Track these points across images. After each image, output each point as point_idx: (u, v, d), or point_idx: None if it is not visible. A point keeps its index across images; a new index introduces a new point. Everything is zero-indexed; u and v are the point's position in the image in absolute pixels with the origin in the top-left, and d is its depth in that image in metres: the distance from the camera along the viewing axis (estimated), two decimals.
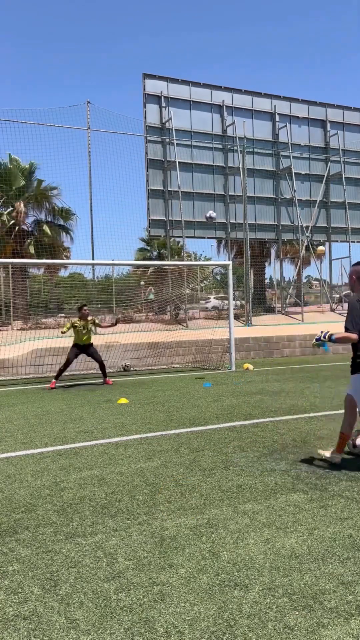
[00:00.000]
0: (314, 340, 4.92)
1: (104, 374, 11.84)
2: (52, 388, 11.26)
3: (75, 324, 11.69)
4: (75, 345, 11.77)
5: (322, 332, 4.87)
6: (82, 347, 11.73)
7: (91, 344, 11.86)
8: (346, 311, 4.97)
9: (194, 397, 9.30)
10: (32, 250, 24.17)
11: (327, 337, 4.75)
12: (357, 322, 4.60)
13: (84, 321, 11.69)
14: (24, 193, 25.03)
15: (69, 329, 11.69)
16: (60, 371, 11.72)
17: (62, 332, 11.65)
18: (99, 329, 13.08)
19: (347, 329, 4.63)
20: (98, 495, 4.20)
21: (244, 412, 7.56)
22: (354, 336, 4.59)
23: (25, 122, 18.90)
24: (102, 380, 11.87)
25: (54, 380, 11.61)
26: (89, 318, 11.82)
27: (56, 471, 4.92)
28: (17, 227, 24.55)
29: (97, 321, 12.09)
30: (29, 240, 24.72)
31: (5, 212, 24.38)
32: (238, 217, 22.52)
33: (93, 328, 11.99)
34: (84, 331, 11.68)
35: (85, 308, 11.84)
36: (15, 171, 24.85)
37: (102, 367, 11.86)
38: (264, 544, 3.20)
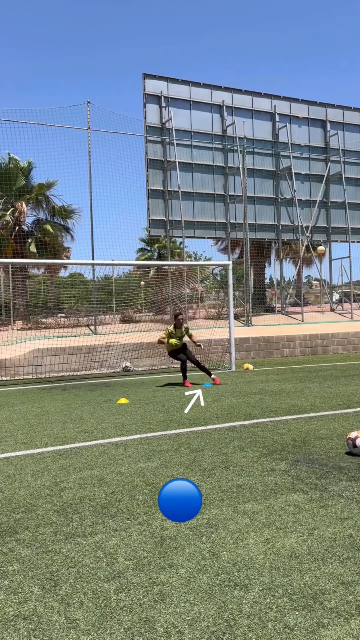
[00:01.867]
0: None
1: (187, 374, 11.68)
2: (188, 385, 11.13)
3: (171, 333, 11.52)
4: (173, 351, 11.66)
5: None
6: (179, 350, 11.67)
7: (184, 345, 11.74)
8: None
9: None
10: (33, 249, 24.20)
11: None
12: None
13: (178, 329, 11.55)
14: (24, 193, 25.04)
15: (166, 337, 11.55)
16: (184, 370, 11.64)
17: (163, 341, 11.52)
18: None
19: None
20: (98, 495, 4.20)
21: (244, 412, 7.56)
22: None
23: (25, 122, 18.92)
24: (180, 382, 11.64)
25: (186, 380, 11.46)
26: (184, 325, 11.71)
27: (56, 471, 4.92)
28: (17, 227, 24.57)
29: (190, 331, 11.83)
30: (29, 240, 24.74)
31: (8, 213, 24.40)
32: (238, 217, 22.52)
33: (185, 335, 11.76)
34: (177, 341, 11.55)
35: (180, 317, 11.64)
36: (16, 171, 24.87)
37: (199, 366, 11.71)
38: (264, 544, 3.20)
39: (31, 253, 23.89)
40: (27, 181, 25.72)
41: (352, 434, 5.09)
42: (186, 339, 11.80)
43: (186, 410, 7.83)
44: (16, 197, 24.80)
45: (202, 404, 8.34)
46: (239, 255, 28.68)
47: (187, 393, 9.46)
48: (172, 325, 11.67)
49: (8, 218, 24.28)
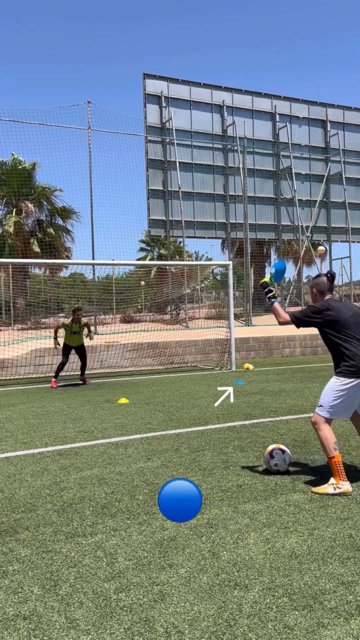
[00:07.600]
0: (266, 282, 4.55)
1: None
2: None
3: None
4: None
5: (270, 289, 4.53)
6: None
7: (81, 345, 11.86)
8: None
9: (194, 397, 9.30)
10: (36, 249, 24.23)
11: (269, 295, 4.48)
12: (303, 314, 4.32)
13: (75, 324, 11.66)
14: (26, 193, 25.07)
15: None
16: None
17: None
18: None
19: (291, 314, 4.34)
20: (98, 495, 4.20)
21: (244, 412, 7.56)
22: (285, 316, 4.32)
23: (26, 122, 18.93)
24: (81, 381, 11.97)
25: None
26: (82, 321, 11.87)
27: (56, 471, 4.92)
28: (19, 227, 24.61)
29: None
30: (32, 240, 24.78)
31: (13, 213, 24.42)
32: (238, 217, 22.52)
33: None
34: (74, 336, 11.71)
35: (78, 312, 11.80)
36: (18, 171, 24.90)
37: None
38: (264, 544, 3.20)
39: (33, 253, 23.90)
40: (30, 182, 25.76)
41: (270, 447, 4.63)
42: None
43: (216, 404, 8.13)
44: (18, 197, 24.83)
45: (232, 400, 8.52)
46: (235, 253, 28.66)
47: (219, 388, 9.66)
48: (70, 320, 11.65)
49: (13, 218, 24.29)
